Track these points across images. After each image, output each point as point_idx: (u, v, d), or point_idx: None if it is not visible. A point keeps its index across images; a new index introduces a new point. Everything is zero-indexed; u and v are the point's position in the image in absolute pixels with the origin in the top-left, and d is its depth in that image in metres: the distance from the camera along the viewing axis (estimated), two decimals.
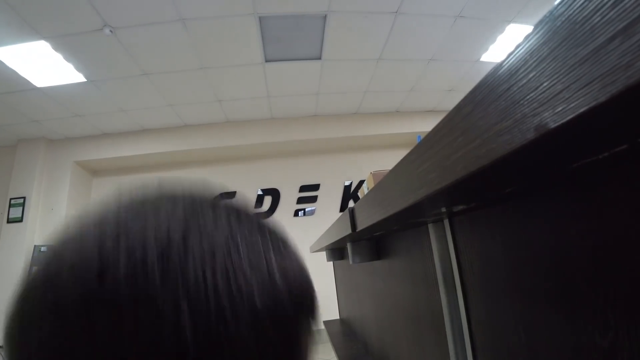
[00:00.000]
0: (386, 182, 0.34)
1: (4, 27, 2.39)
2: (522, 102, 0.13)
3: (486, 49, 3.25)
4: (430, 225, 0.52)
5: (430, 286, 0.63)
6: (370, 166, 4.43)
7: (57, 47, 2.63)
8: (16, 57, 2.68)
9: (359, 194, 4.27)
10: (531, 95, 0.13)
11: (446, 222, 0.48)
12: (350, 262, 0.89)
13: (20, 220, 3.67)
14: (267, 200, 4.26)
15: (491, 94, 0.15)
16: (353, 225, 0.52)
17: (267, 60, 3.13)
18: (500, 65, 0.15)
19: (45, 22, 2.40)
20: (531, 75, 0.13)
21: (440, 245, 0.52)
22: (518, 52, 0.14)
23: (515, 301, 0.41)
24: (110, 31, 2.52)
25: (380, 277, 0.95)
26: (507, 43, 3.17)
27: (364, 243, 0.85)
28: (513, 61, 0.14)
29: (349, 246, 0.88)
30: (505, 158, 0.15)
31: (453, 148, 0.19)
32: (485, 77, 0.16)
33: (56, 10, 2.30)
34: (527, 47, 0.13)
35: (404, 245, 0.73)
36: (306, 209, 4.27)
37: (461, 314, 0.52)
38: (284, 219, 4.20)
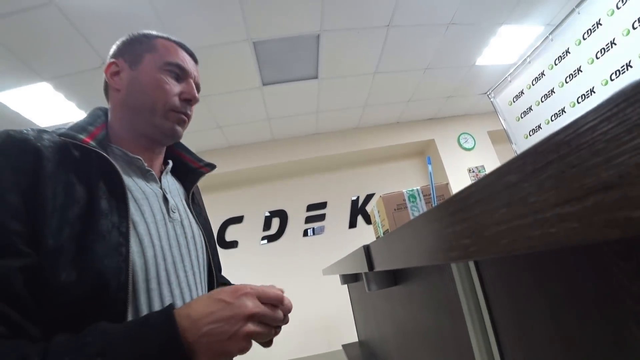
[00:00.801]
0: (407, 232, 0.31)
1: (7, 72, 2.43)
2: (597, 187, 0.10)
3: (481, 53, 3.26)
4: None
5: (454, 316, 0.60)
6: (375, 179, 4.42)
7: (57, 87, 2.67)
8: (19, 99, 2.72)
9: (369, 213, 4.22)
10: (611, 173, 0.10)
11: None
12: (367, 290, 0.85)
13: None
14: (275, 223, 4.22)
15: (549, 167, 0.12)
16: (370, 264, 0.49)
17: (264, 84, 3.15)
18: (564, 130, 0.12)
19: (45, 64, 2.44)
20: (616, 145, 0.10)
21: (464, 279, 0.48)
22: (599, 114, 0.11)
23: (556, 341, 0.38)
24: None
25: (399, 303, 0.90)
26: (501, 45, 3.18)
27: (380, 271, 0.82)
28: (583, 125, 0.11)
29: (363, 274, 0.84)
30: (569, 245, 0.12)
31: (494, 219, 0.16)
32: (539, 144, 0.13)
33: (56, 52, 2.34)
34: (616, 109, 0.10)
35: (424, 272, 0.69)
36: (315, 228, 4.22)
37: (493, 351, 0.48)
38: (293, 240, 4.16)
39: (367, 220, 4.27)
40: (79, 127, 0.55)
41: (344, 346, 1.98)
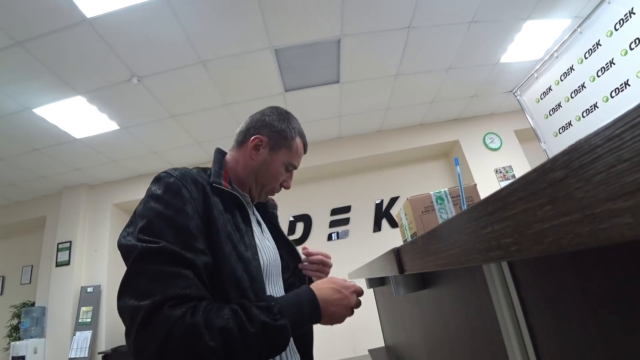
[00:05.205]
0: (441, 232, 0.30)
1: (46, 88, 2.58)
2: None
3: (505, 50, 3.18)
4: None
5: (488, 320, 0.58)
6: (400, 182, 4.37)
7: (91, 100, 2.82)
8: (56, 113, 2.89)
9: (395, 216, 4.17)
10: None
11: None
12: (394, 294, 0.84)
13: (67, 263, 3.87)
14: (299, 227, 4.24)
15: (598, 161, 0.12)
16: (400, 267, 0.49)
17: (286, 90, 3.19)
18: (614, 124, 0.12)
19: (79, 79, 2.58)
20: None
21: (497, 280, 0.47)
22: None
23: (598, 345, 0.36)
24: (138, 80, 2.67)
25: (428, 307, 0.89)
26: (526, 41, 3.08)
27: (408, 274, 0.81)
28: (635, 118, 0.11)
29: (391, 277, 0.83)
30: (622, 241, 0.12)
31: (537, 217, 0.16)
32: (585, 139, 0.13)
33: (89, 66, 2.47)
34: None
35: (454, 274, 0.68)
36: (339, 232, 4.22)
37: (530, 356, 0.46)
38: (317, 244, 4.16)
39: (392, 223, 4.23)
40: (217, 174, 0.80)
41: (370, 351, 1.96)
